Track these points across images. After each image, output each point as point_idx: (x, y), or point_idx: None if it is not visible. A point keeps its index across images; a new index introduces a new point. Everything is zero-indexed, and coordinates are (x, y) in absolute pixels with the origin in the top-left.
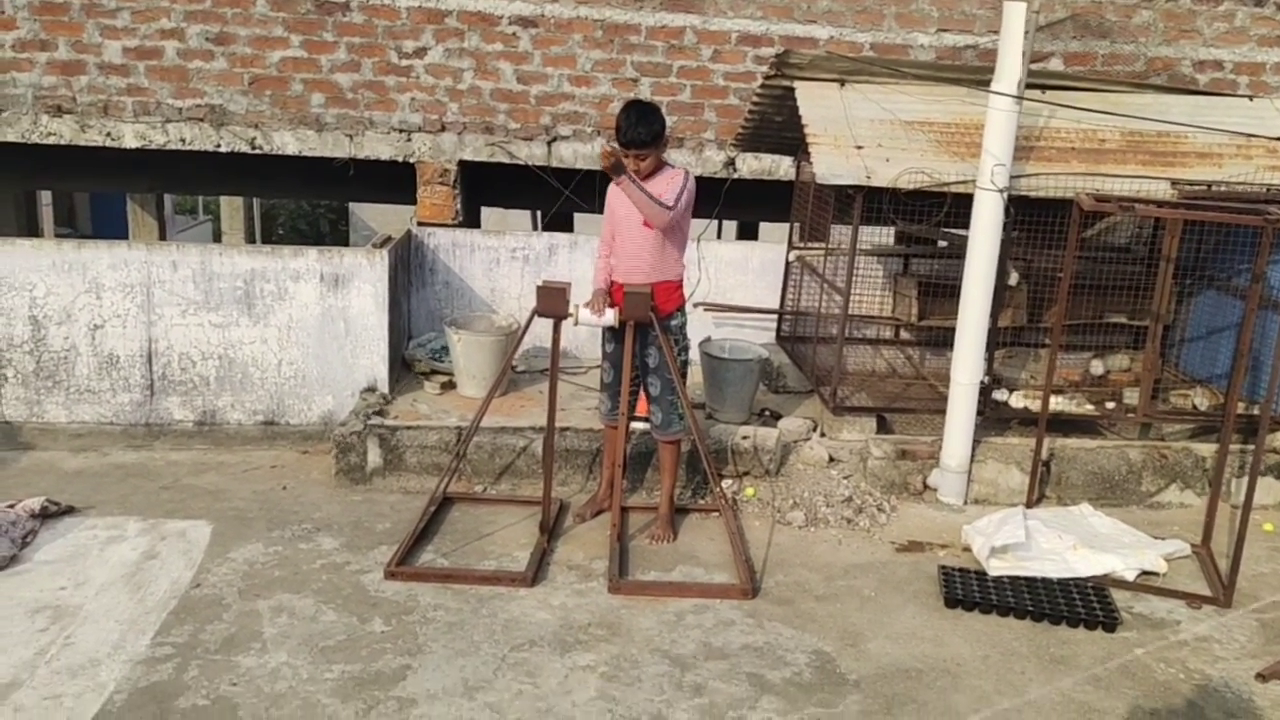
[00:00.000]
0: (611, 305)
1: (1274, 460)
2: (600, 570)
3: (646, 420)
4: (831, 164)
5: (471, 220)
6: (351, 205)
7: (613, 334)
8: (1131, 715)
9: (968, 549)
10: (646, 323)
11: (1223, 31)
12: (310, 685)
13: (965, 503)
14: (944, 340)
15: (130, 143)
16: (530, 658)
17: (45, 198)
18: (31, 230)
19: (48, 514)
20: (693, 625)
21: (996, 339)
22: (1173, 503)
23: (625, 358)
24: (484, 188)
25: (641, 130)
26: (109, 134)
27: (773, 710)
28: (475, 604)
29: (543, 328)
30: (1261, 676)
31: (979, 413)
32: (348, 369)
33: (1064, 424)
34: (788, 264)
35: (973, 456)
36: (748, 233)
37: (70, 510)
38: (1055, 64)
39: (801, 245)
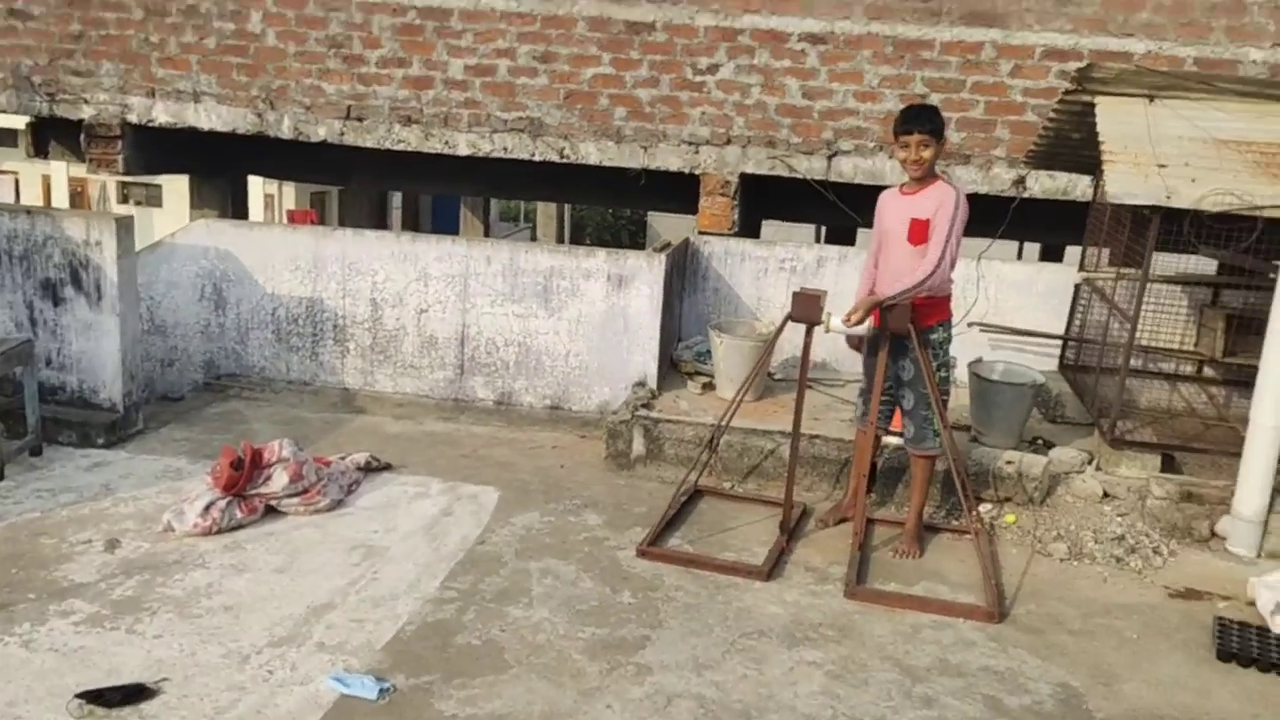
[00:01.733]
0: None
1: None
2: (837, 575)
3: (901, 435)
4: (1127, 182)
5: (750, 231)
6: (649, 218)
7: (871, 344)
8: None
9: (1252, 603)
10: (903, 335)
11: None
12: (565, 640)
13: (1258, 555)
14: (1253, 381)
15: (463, 150)
16: (758, 646)
17: (395, 201)
18: (383, 229)
19: (370, 468)
20: (929, 640)
21: None
22: None
23: (879, 367)
24: (764, 200)
25: (924, 119)
26: (446, 142)
27: None
28: (712, 589)
29: (803, 337)
30: None
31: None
32: (623, 363)
33: None
34: (1076, 288)
35: (1271, 507)
36: (1051, 255)
37: (388, 467)
38: None
39: (1092, 269)
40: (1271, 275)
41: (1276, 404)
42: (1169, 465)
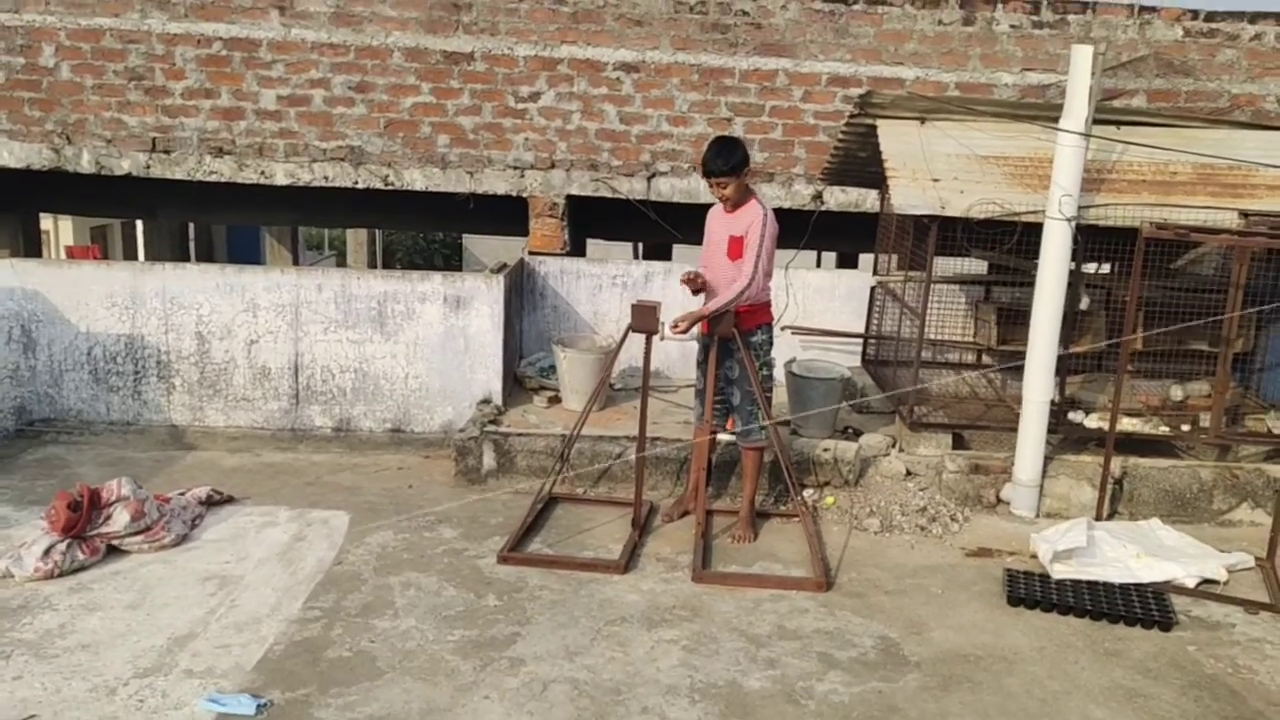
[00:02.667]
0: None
1: None
2: (685, 563)
3: (733, 433)
4: (908, 195)
5: (578, 250)
6: (465, 240)
7: (703, 349)
8: (1175, 701)
9: (1035, 556)
10: (728, 338)
11: None
12: (435, 645)
13: (1037, 515)
14: (1024, 365)
15: (281, 180)
16: (621, 631)
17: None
18: (184, 260)
19: (212, 501)
20: (769, 611)
21: (1070, 362)
22: (1243, 521)
23: (710, 368)
24: (589, 220)
25: (720, 162)
26: (263, 172)
27: (838, 682)
28: (575, 586)
29: (639, 348)
30: None
31: (1052, 431)
32: (466, 383)
33: (1141, 445)
34: (872, 291)
35: (1045, 473)
36: (848, 262)
37: (231, 499)
38: (1139, 100)
39: (884, 273)
40: (1031, 272)
41: (1042, 383)
42: (959, 443)
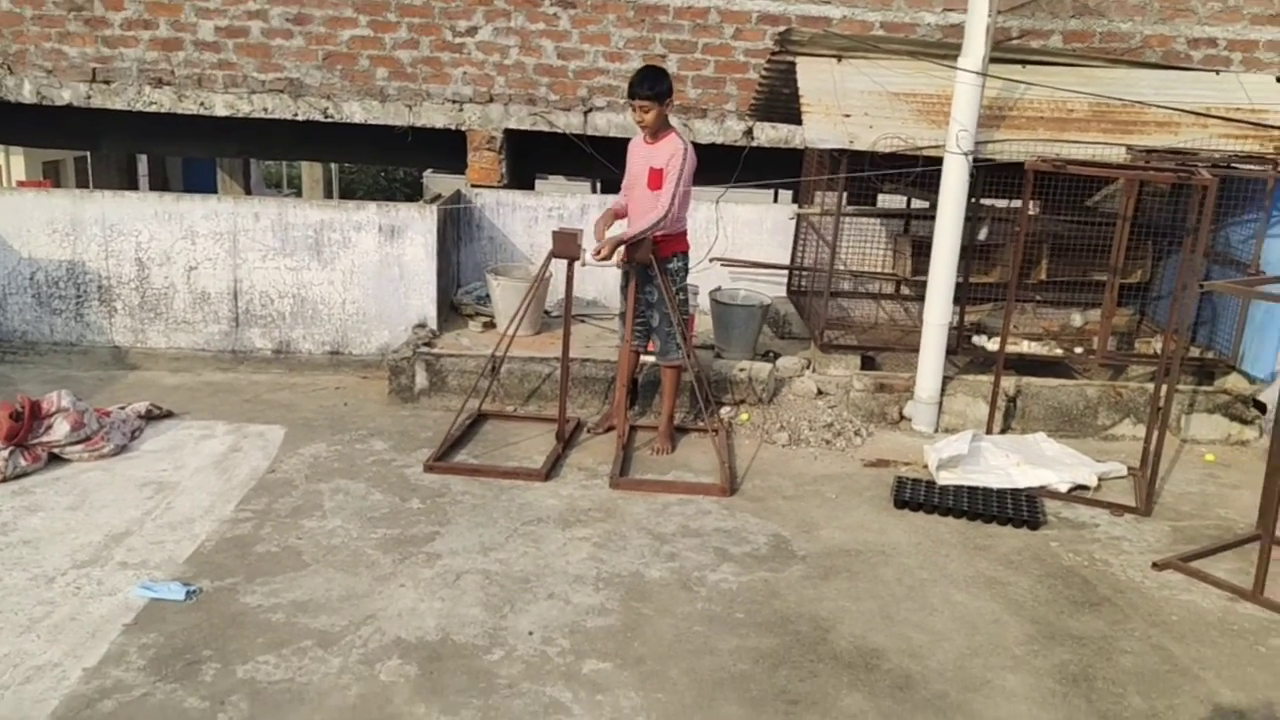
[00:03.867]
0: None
1: (1223, 400)
2: (605, 472)
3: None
4: (820, 129)
5: (523, 184)
6: (425, 180)
7: (625, 274)
8: (1030, 588)
9: (926, 466)
10: (646, 264)
11: (1216, 10)
12: (359, 541)
13: (935, 431)
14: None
15: (220, 111)
16: (537, 530)
17: (142, 167)
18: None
19: (152, 416)
20: (675, 513)
21: (977, 291)
22: (1125, 435)
23: (630, 292)
24: (530, 155)
25: (645, 86)
26: (202, 103)
27: (729, 573)
28: (496, 492)
29: (576, 275)
30: (1156, 565)
31: (951, 352)
32: (401, 308)
33: (1038, 367)
34: (796, 224)
35: (945, 391)
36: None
37: (169, 414)
38: (1056, 40)
39: (806, 207)
40: (924, 205)
41: (940, 307)
42: (869, 365)
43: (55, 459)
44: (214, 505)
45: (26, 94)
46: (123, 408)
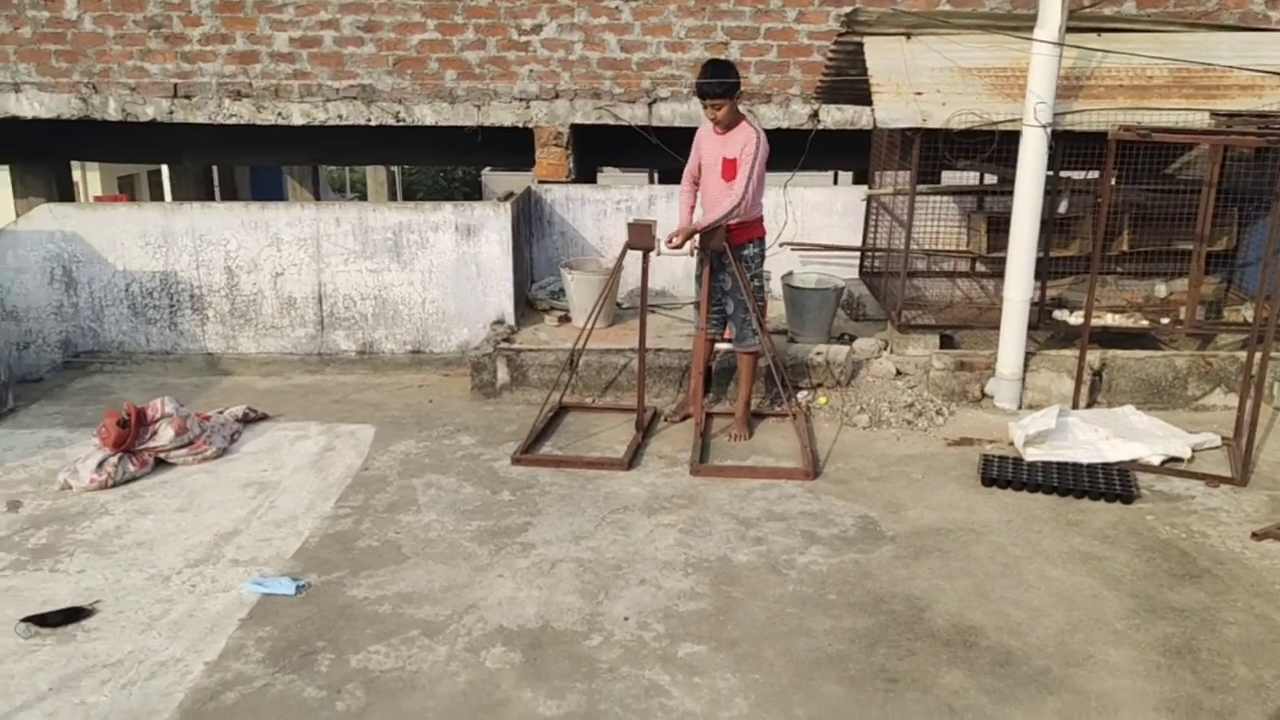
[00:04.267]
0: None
1: None
2: (685, 459)
3: (730, 340)
4: (890, 109)
5: (586, 178)
6: (483, 179)
7: (699, 263)
8: (1128, 562)
9: (1012, 444)
10: (720, 252)
11: None
12: (454, 534)
13: (1019, 407)
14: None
15: (297, 120)
16: (624, 518)
17: (214, 177)
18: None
19: (248, 419)
20: (759, 498)
21: (1057, 264)
22: (1217, 405)
23: (705, 280)
24: (595, 148)
25: (715, 85)
26: (280, 113)
27: (818, 555)
28: (582, 482)
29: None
30: (1256, 535)
31: (1033, 327)
32: (480, 305)
33: (1123, 339)
34: (866, 205)
35: (1028, 367)
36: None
37: (265, 417)
38: (1130, 7)
39: (877, 188)
40: (995, 181)
41: (1021, 283)
42: (948, 344)
43: (161, 463)
44: (314, 503)
45: (112, 111)
46: (221, 412)
